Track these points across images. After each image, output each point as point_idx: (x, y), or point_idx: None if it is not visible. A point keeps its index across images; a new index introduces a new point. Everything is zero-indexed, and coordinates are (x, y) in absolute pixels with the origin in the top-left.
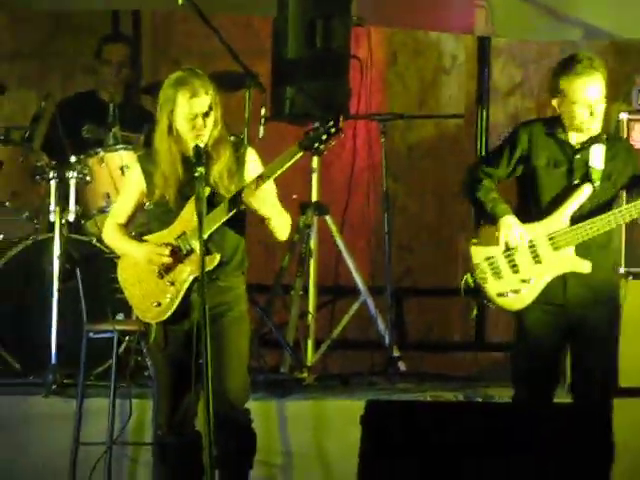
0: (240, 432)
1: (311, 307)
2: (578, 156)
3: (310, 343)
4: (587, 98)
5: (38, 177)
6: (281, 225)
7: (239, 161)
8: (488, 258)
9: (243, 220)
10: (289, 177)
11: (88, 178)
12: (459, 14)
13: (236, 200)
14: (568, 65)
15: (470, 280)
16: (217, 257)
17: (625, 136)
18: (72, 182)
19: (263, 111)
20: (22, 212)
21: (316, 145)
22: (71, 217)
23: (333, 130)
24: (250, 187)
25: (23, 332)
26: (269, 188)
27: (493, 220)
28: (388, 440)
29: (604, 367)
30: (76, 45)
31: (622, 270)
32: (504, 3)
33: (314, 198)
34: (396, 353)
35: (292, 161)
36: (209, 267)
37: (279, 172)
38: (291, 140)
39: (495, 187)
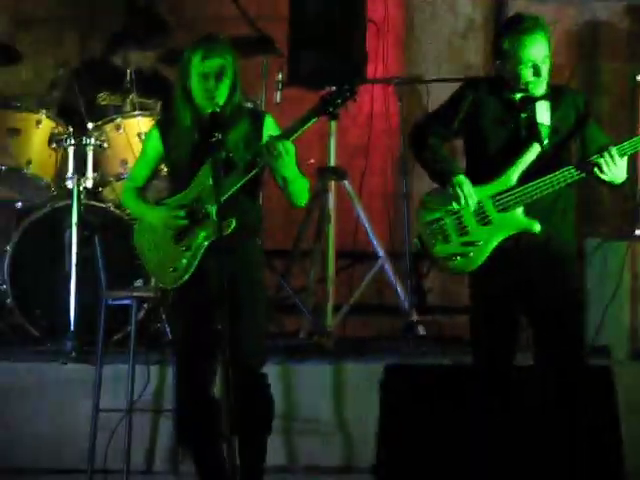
0: (257, 397)
1: (330, 272)
2: (524, 114)
3: (329, 308)
4: (532, 57)
5: (55, 144)
6: (299, 189)
7: (256, 130)
8: (437, 220)
9: (259, 185)
10: (306, 142)
11: (105, 145)
12: None
13: (252, 164)
14: (512, 25)
15: (418, 244)
16: (233, 222)
17: None
18: (89, 149)
19: (280, 76)
20: (40, 179)
21: (330, 109)
22: (89, 184)
23: (348, 94)
24: (266, 149)
25: (42, 299)
26: (287, 149)
27: (442, 180)
28: (407, 404)
29: (567, 331)
30: (91, 10)
31: (639, 232)
32: None
33: (331, 163)
34: (415, 317)
35: (307, 126)
36: (225, 232)
37: (294, 137)
38: (309, 105)
39: (442, 146)
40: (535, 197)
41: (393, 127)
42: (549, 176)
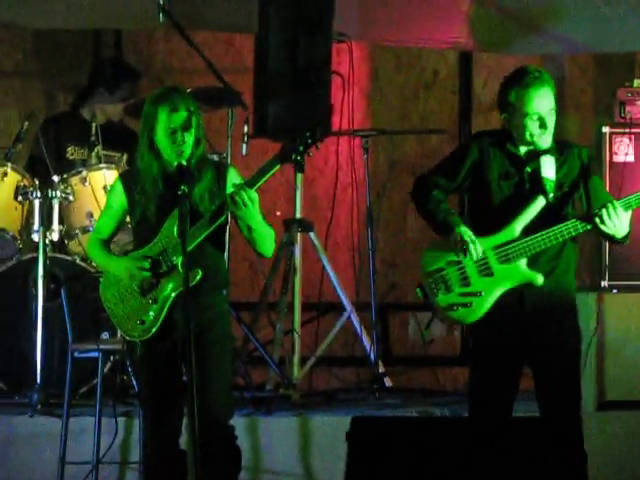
0: (224, 449)
1: (296, 324)
2: (528, 168)
3: (296, 360)
4: (537, 110)
5: (21, 197)
6: (265, 239)
7: (220, 182)
8: (439, 270)
9: (223, 237)
10: (273, 194)
11: (71, 197)
12: (441, 29)
13: (217, 215)
14: (517, 78)
15: (420, 294)
16: (199, 273)
17: (607, 150)
18: (55, 202)
19: (246, 128)
20: (6, 232)
21: (294, 157)
22: (55, 237)
23: (310, 141)
24: (230, 198)
25: (8, 352)
26: (251, 198)
27: (444, 231)
28: (374, 456)
29: (568, 383)
30: (58, 63)
31: (606, 284)
32: (485, 18)
33: (298, 215)
34: (382, 369)
35: (270, 174)
36: (191, 284)
37: (257, 186)
38: None
39: (445, 199)
40: (539, 249)
41: (359, 179)
42: (553, 228)
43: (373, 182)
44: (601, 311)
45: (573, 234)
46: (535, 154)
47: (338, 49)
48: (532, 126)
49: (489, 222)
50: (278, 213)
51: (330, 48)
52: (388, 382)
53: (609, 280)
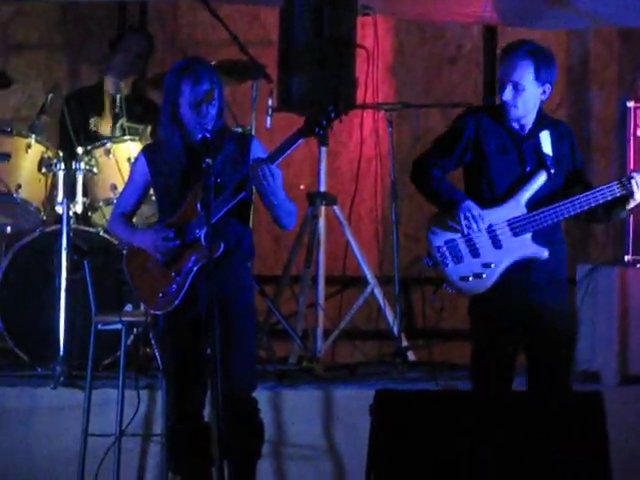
0: (247, 422)
1: (320, 297)
2: (527, 143)
3: (319, 333)
4: (506, 77)
5: (45, 169)
6: (286, 213)
7: (243, 153)
8: (448, 241)
9: (248, 209)
10: (296, 167)
11: (95, 169)
12: (465, 3)
13: (241, 187)
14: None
15: (431, 263)
16: (222, 246)
17: (632, 124)
18: (79, 173)
19: (270, 102)
20: (30, 204)
21: (316, 130)
22: (78, 209)
23: (332, 115)
24: (253, 171)
25: (31, 324)
26: (273, 173)
27: (451, 208)
28: (398, 429)
29: (560, 357)
30: (83, 36)
31: (629, 258)
32: None
33: (322, 188)
34: (405, 342)
35: (293, 148)
36: (214, 256)
37: (280, 160)
38: None
39: (445, 177)
40: (546, 223)
41: (383, 152)
42: (569, 200)
43: (397, 156)
44: (625, 285)
45: (609, 198)
46: (533, 129)
47: (363, 22)
48: (503, 93)
49: (492, 195)
50: (302, 186)
51: (355, 21)
52: (411, 355)
53: (633, 254)
